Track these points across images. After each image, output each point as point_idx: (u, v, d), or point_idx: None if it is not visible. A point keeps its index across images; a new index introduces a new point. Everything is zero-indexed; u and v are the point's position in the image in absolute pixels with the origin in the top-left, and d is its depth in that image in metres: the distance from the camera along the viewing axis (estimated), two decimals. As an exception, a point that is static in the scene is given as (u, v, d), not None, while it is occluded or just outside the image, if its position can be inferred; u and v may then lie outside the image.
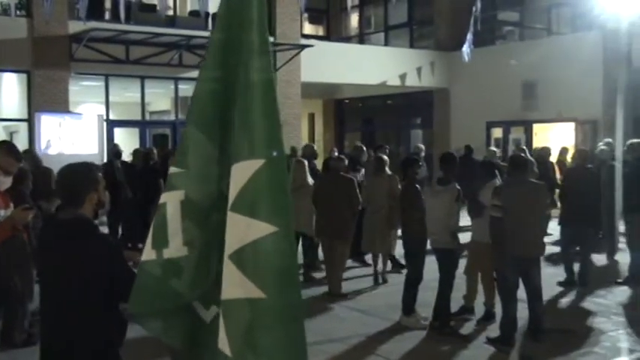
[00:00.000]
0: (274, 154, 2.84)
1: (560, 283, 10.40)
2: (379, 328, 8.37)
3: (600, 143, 14.68)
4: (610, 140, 14.56)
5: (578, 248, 10.70)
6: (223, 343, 2.80)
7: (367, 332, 8.23)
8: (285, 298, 2.80)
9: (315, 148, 15.06)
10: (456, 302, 8.68)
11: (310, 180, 10.87)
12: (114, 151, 14.07)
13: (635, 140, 11.10)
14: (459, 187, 8.16)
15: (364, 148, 13.79)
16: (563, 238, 10.81)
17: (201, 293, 3.14)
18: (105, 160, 15.95)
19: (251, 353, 2.76)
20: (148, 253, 3.06)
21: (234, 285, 2.78)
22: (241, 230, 2.79)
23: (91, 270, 3.54)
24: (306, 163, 11.23)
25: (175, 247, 3.05)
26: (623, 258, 11.12)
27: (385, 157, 11.21)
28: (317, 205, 10.34)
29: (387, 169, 10.85)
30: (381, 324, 8.55)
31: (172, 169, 3.12)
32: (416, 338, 8.02)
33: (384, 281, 10.81)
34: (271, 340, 2.76)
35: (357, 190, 10.19)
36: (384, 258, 10.95)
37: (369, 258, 11.49)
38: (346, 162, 11.03)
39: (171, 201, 3.07)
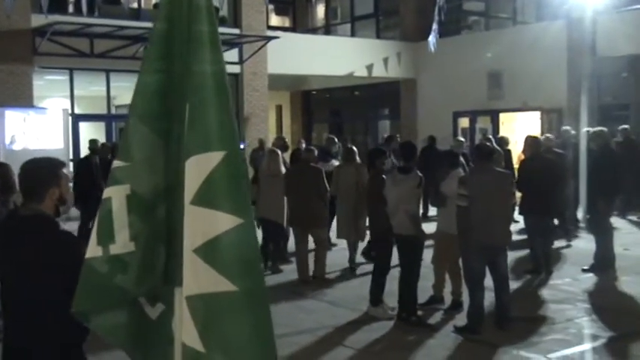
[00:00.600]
0: (234, 146, 2.83)
1: (527, 272, 10.49)
2: (347, 319, 8.38)
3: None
4: (568, 128, 14.79)
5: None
6: (193, 340, 2.77)
7: (335, 323, 8.23)
8: (253, 288, 2.79)
9: (287, 140, 15.18)
10: (424, 291, 8.72)
11: (284, 170, 11.00)
12: (92, 147, 13.87)
13: (596, 129, 11.21)
14: (420, 175, 8.19)
15: (336, 140, 13.99)
16: (526, 227, 10.88)
17: (147, 289, 3.11)
18: (71, 156, 15.83)
19: (224, 347, 2.75)
20: (93, 250, 3.00)
21: (203, 279, 2.76)
22: (206, 223, 2.76)
23: (52, 267, 3.50)
24: (280, 152, 11.37)
25: (122, 243, 3.01)
26: (589, 246, 11.24)
27: (354, 148, 11.44)
28: (288, 195, 10.46)
29: (356, 158, 11.09)
30: (350, 315, 8.56)
31: (116, 163, 3.05)
32: (383, 329, 8.04)
33: (352, 271, 10.88)
34: (244, 332, 2.76)
35: (325, 180, 10.33)
36: (353, 245, 11.11)
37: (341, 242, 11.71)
38: (316, 152, 11.20)
39: (116, 196, 3.01)
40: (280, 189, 10.54)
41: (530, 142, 11.02)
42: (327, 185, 10.39)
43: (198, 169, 2.79)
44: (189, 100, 2.86)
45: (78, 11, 16.87)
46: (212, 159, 2.78)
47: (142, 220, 3.04)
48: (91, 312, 3.09)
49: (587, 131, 13.26)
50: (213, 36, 2.87)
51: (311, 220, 10.28)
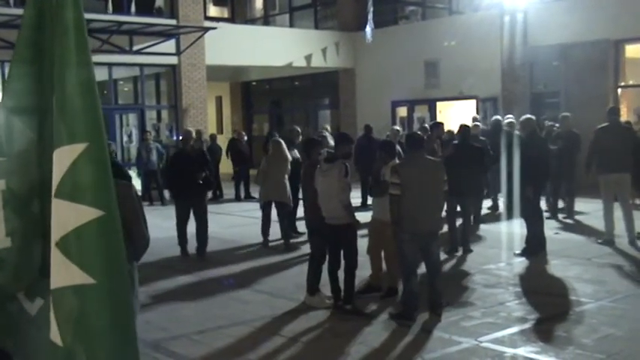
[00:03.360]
0: (98, 137, 2.77)
1: (446, 251, 10.78)
2: (284, 310, 8.43)
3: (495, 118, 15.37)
4: (498, 117, 15.18)
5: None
6: (54, 334, 2.74)
7: (273, 314, 8.28)
8: (113, 282, 2.74)
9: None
10: (360, 280, 8.82)
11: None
12: None
13: (524, 117, 11.48)
14: (345, 164, 8.26)
15: (299, 130, 14.50)
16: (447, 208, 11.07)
17: (26, 285, 3.06)
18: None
19: (81, 342, 2.70)
20: None
21: (63, 272, 2.71)
22: (67, 216, 2.71)
23: None
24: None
25: None
26: (521, 231, 11.51)
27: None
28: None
29: None
30: (287, 305, 8.61)
31: None
32: (320, 317, 8.12)
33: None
34: (102, 326, 2.71)
35: None
36: None
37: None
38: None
39: None
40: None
41: (459, 129, 11.76)
42: None
43: (62, 161, 2.73)
44: (55, 91, 2.78)
45: (6, 2, 16.49)
46: (74, 151, 2.71)
47: (18, 215, 3.00)
48: None
49: (498, 119, 13.84)
50: (78, 23, 2.74)
51: None
